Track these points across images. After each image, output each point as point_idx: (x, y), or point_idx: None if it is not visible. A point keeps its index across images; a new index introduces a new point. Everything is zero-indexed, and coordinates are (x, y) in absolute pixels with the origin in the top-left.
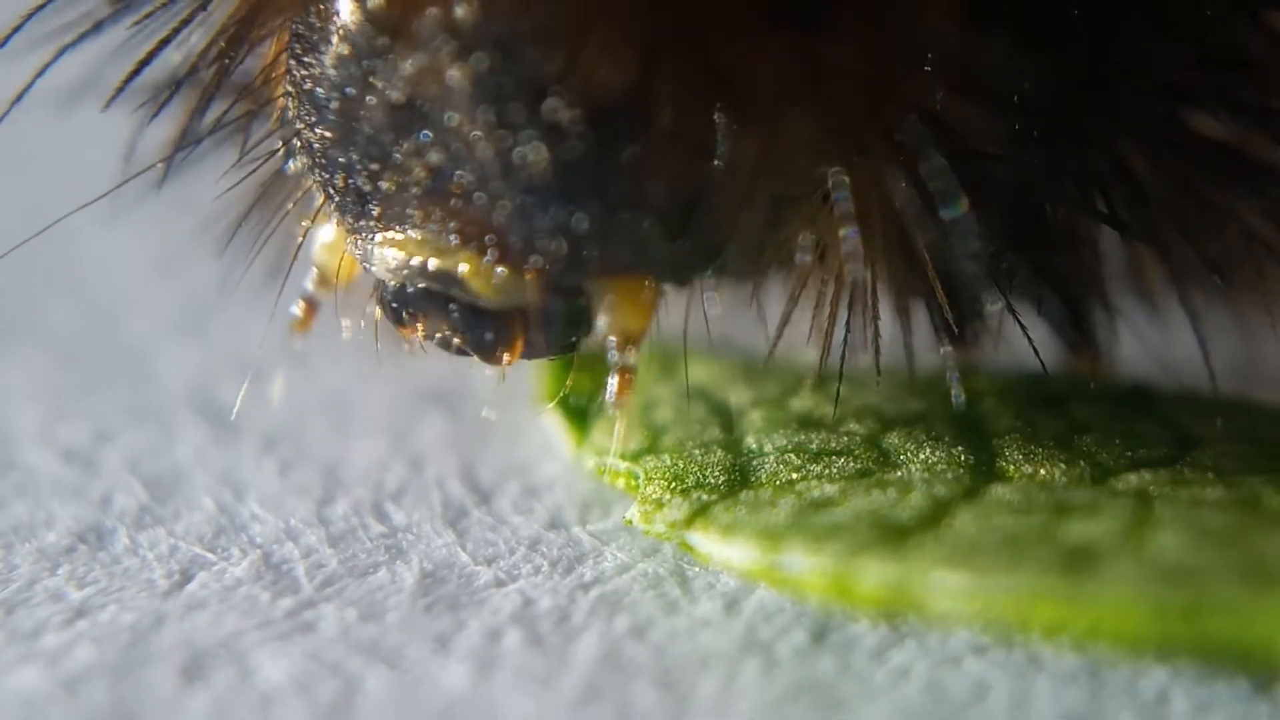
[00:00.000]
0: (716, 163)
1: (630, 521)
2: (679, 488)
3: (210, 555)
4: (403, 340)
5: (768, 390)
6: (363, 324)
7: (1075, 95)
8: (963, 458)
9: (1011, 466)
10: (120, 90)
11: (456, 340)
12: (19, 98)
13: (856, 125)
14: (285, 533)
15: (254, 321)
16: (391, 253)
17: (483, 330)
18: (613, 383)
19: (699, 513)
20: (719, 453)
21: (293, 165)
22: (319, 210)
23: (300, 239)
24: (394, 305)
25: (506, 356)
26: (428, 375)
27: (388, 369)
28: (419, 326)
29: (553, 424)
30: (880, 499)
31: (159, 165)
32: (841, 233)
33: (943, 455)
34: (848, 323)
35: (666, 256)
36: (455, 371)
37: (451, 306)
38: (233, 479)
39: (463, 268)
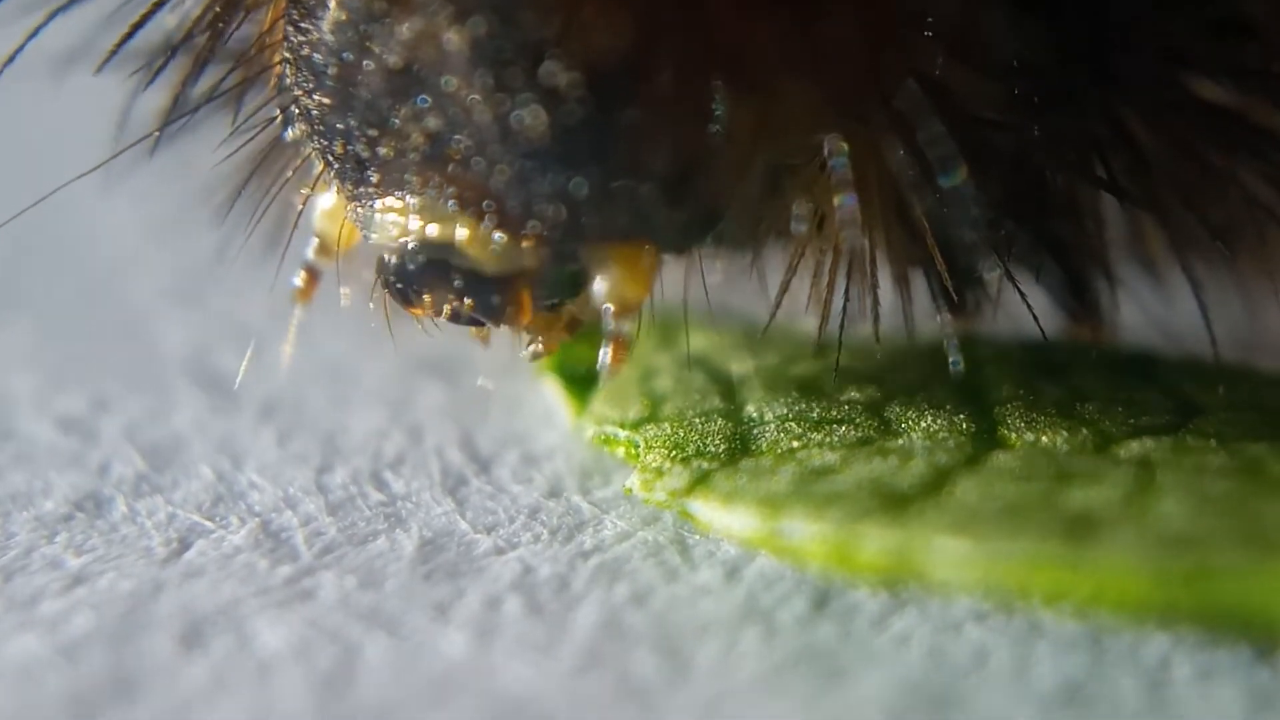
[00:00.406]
0: (715, 129)
1: (630, 490)
2: (679, 456)
3: (209, 523)
4: (412, 318)
5: (768, 359)
6: (363, 293)
7: (1075, 60)
8: (964, 425)
9: (1013, 434)
10: (113, 55)
11: (464, 308)
12: (9, 61)
13: (854, 92)
14: (284, 501)
15: (253, 290)
16: (390, 218)
17: (488, 294)
18: (607, 351)
19: (699, 481)
20: (719, 421)
21: (291, 133)
22: (318, 178)
23: (300, 207)
24: (398, 284)
25: (518, 317)
26: (426, 345)
27: (386, 338)
28: (426, 302)
29: (552, 393)
30: (881, 467)
31: (154, 133)
32: (838, 200)
33: (944, 423)
34: (846, 291)
35: (664, 223)
36: (454, 341)
37: (454, 275)
38: (231, 447)
39: (461, 234)
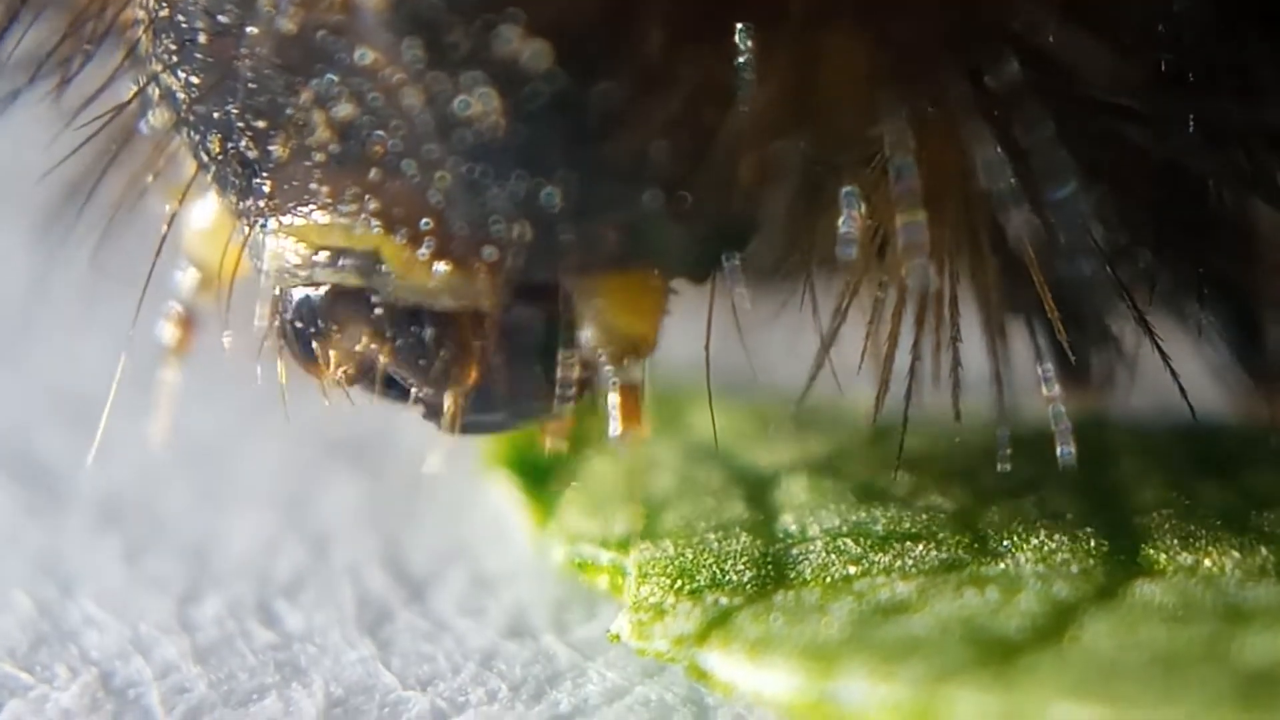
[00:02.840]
0: (734, 109)
1: (617, 637)
2: (687, 588)
3: (25, 676)
4: (313, 378)
5: (810, 446)
6: (249, 345)
7: (1247, 19)
8: (1093, 544)
9: (1162, 555)
10: None
11: (383, 358)
12: None
13: (928, 61)
14: (132, 643)
15: (90, 344)
16: (289, 244)
17: (418, 335)
18: (614, 408)
19: (717, 623)
20: (743, 537)
21: (150, 121)
22: (189, 184)
23: (165, 225)
24: (298, 326)
25: (458, 382)
26: (335, 420)
27: (278, 409)
28: (333, 352)
29: (507, 495)
30: (976, 602)
31: None
32: (903, 218)
33: (1064, 540)
34: (916, 347)
35: (667, 242)
36: (373, 415)
37: (374, 304)
38: (57, 566)
39: (388, 260)
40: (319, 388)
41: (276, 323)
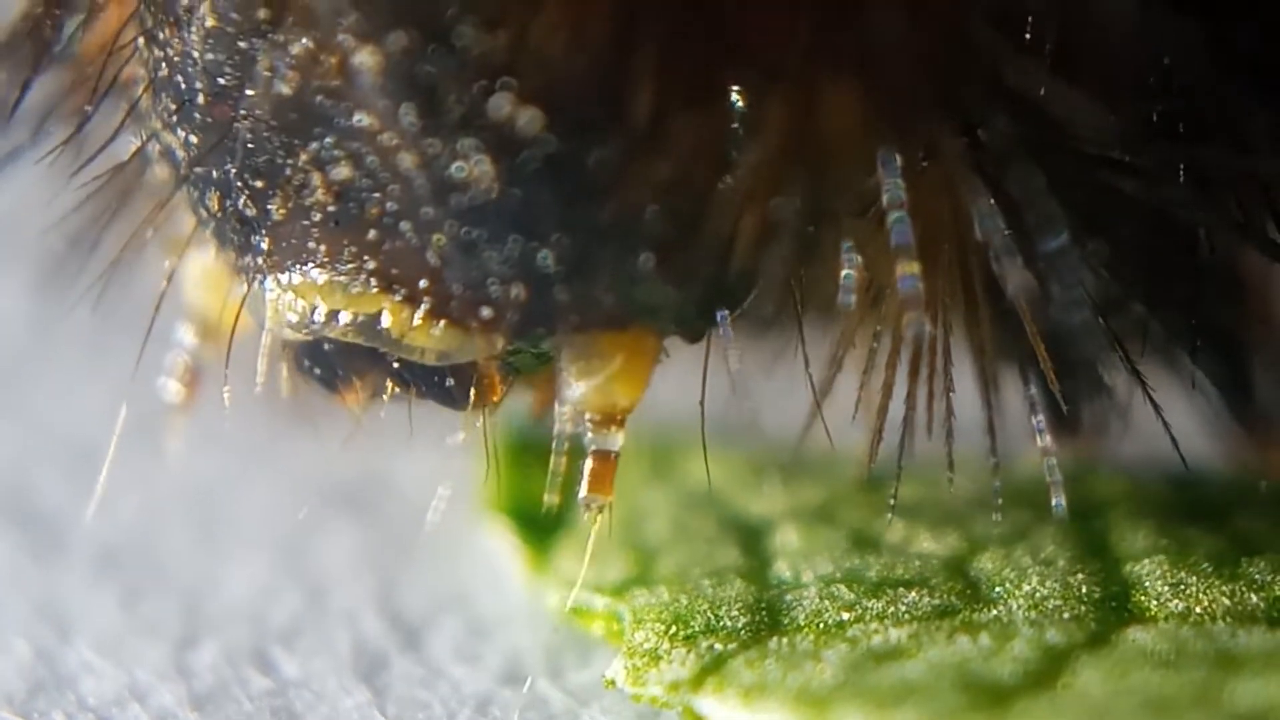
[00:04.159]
0: (729, 168)
1: (612, 682)
2: (682, 633)
3: None
4: (340, 406)
5: (805, 495)
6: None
7: (1237, 71)
8: (1084, 590)
9: (1153, 601)
10: None
11: (412, 395)
12: None
13: (921, 114)
14: (129, 690)
15: (86, 391)
16: (288, 300)
17: (440, 379)
18: (587, 473)
19: (711, 668)
20: (738, 584)
21: (150, 175)
22: (191, 237)
23: (166, 277)
24: (316, 368)
25: (489, 397)
26: (331, 467)
27: (273, 457)
28: (357, 385)
29: (502, 541)
30: (969, 648)
31: None
32: (899, 269)
33: (1055, 586)
34: (910, 397)
35: (663, 302)
36: (369, 464)
37: (389, 361)
38: (55, 611)
39: (386, 319)
40: (322, 427)
41: (293, 362)
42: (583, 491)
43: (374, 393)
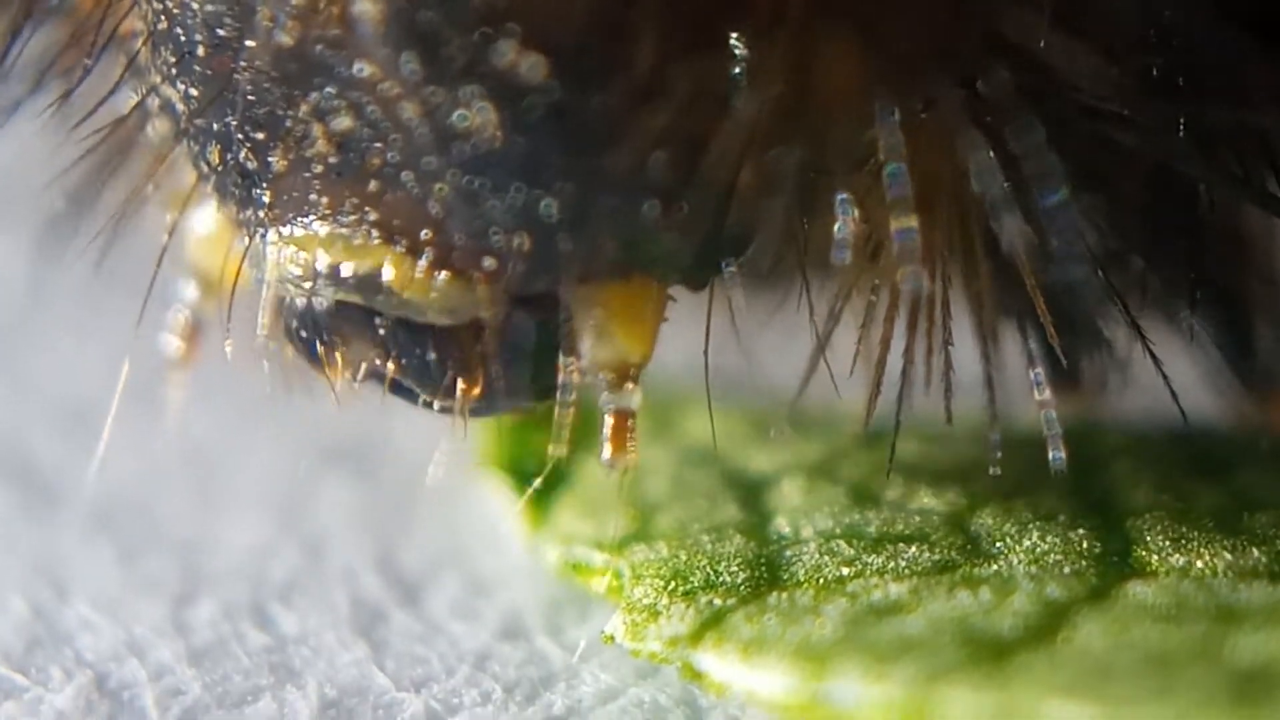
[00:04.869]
0: (730, 118)
1: (611, 638)
2: (681, 589)
3: (20, 678)
4: (320, 380)
5: (804, 450)
6: (247, 349)
7: (1238, 23)
8: (1085, 544)
9: (1154, 556)
10: None
11: (391, 370)
12: None
13: (920, 67)
14: (127, 646)
15: (84, 349)
16: (290, 254)
17: (421, 352)
18: (608, 433)
19: (711, 624)
20: (737, 539)
21: (150, 131)
22: (191, 192)
23: (167, 233)
24: (303, 332)
25: (464, 391)
26: (329, 424)
27: (274, 412)
28: (339, 358)
29: (501, 498)
30: (969, 603)
31: None
32: (895, 223)
33: (1056, 541)
34: (909, 351)
35: (666, 251)
36: (367, 418)
37: (378, 323)
38: (53, 568)
39: (388, 272)
40: (322, 385)
41: (281, 327)
42: (605, 453)
43: (355, 368)
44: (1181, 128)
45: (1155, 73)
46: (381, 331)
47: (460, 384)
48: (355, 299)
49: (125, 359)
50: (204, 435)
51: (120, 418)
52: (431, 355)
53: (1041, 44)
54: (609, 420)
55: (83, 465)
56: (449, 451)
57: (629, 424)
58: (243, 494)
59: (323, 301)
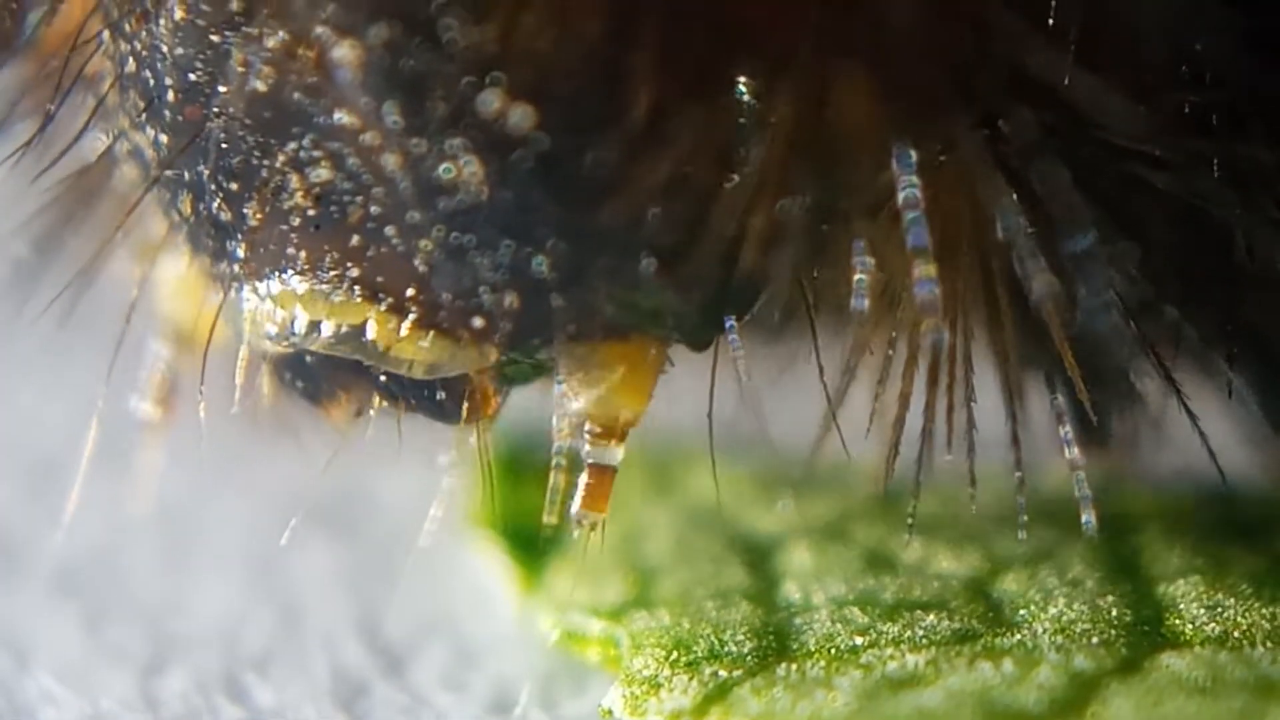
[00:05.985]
0: (736, 166)
1: (609, 712)
2: (684, 660)
3: None
4: (321, 420)
5: (816, 511)
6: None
7: (1273, 59)
8: (1114, 613)
9: (1189, 625)
10: None
11: (401, 410)
12: None
13: (938, 105)
14: None
15: (48, 404)
16: (267, 310)
17: (431, 391)
18: (582, 488)
19: (715, 697)
20: (744, 606)
21: (119, 176)
22: (163, 242)
23: (137, 285)
24: (300, 382)
25: (484, 414)
26: (307, 480)
27: (246, 470)
28: (343, 400)
29: (491, 560)
30: (991, 675)
31: None
32: (917, 272)
33: (1084, 609)
34: (929, 407)
35: (666, 309)
36: (348, 478)
37: (375, 374)
38: (13, 636)
39: (371, 330)
40: (297, 440)
41: (276, 378)
42: (576, 507)
43: (360, 406)
44: (1215, 167)
45: (1187, 109)
46: (383, 378)
47: (478, 409)
48: (341, 351)
49: (93, 416)
50: (173, 494)
51: (87, 476)
52: (441, 394)
53: (1066, 81)
54: (586, 476)
55: (46, 526)
56: (436, 509)
57: (607, 480)
58: (215, 556)
59: (312, 357)
